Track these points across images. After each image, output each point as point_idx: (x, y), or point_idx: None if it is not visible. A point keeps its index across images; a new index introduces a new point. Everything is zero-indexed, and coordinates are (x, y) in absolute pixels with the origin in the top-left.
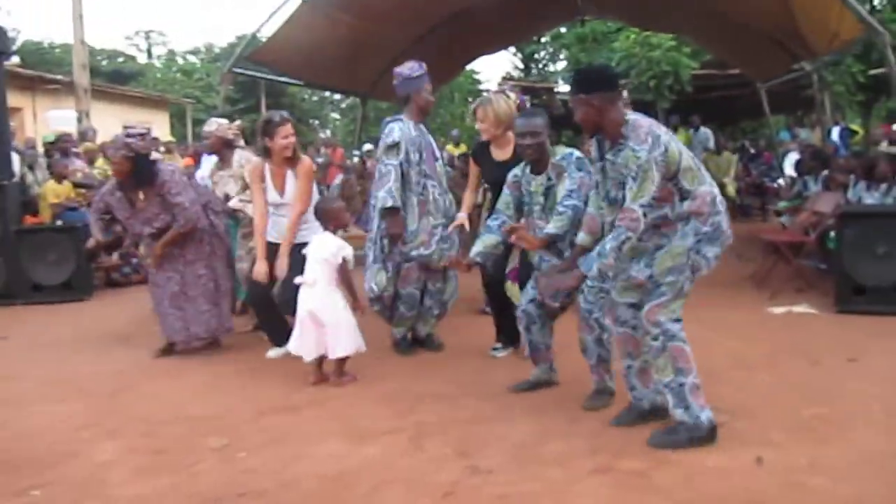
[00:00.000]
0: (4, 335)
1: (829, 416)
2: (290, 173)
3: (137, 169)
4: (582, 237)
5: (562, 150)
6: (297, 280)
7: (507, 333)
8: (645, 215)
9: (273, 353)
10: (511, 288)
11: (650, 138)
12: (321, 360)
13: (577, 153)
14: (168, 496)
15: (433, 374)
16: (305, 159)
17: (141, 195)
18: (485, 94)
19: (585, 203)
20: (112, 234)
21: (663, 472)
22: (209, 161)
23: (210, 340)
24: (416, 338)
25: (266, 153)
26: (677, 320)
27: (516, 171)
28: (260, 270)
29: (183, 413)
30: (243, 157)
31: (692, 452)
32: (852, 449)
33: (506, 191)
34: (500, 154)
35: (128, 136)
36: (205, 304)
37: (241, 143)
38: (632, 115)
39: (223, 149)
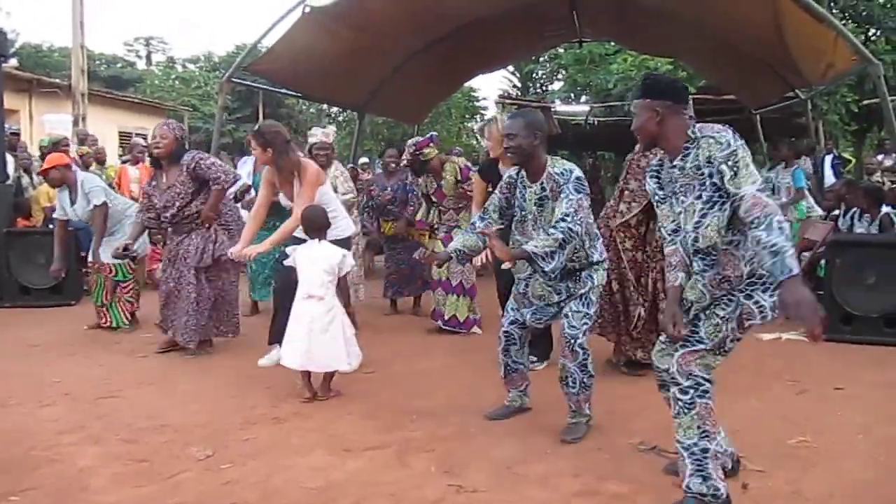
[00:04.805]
0: None
1: (814, 445)
2: (296, 181)
3: (176, 150)
4: (679, 276)
5: (562, 164)
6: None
7: (541, 347)
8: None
9: (266, 360)
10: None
11: (729, 132)
12: (310, 374)
13: (577, 171)
14: None
15: (421, 390)
16: (309, 165)
17: (166, 177)
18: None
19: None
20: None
21: (646, 497)
22: (247, 164)
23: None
24: None
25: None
26: (709, 379)
27: (512, 172)
28: (235, 250)
29: (167, 421)
30: (338, 168)
31: (676, 478)
32: (836, 478)
33: (497, 192)
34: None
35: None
36: (189, 310)
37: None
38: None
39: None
